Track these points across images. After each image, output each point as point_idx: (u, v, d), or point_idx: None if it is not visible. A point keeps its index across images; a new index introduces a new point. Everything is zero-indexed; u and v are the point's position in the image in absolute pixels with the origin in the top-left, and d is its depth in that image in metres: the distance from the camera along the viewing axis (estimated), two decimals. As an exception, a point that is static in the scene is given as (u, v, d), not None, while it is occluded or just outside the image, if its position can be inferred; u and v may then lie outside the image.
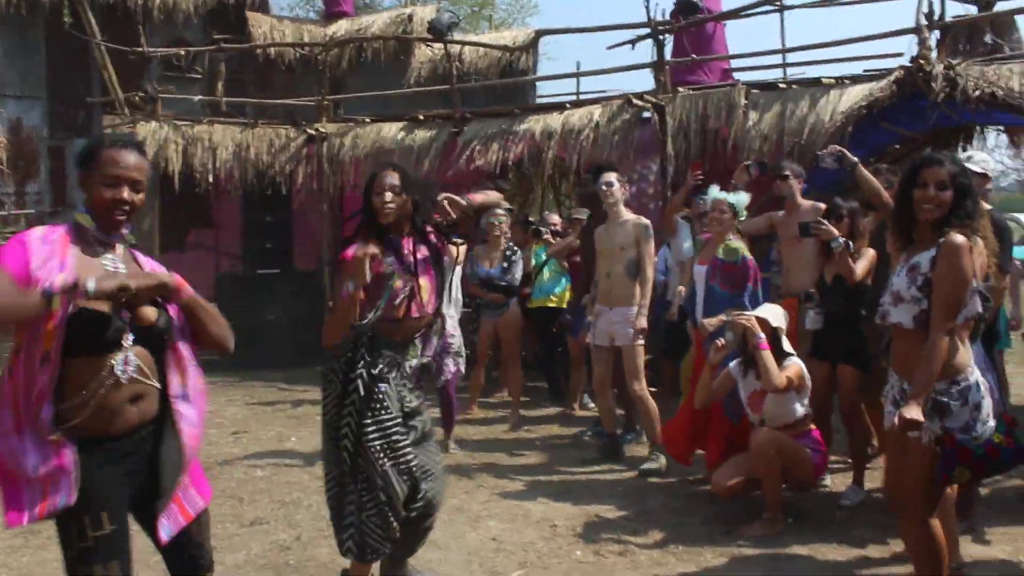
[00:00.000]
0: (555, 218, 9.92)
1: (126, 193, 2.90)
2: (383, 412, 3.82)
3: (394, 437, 3.83)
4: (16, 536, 5.28)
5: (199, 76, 15.65)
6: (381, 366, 3.86)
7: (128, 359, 2.82)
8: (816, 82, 9.44)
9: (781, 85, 9.66)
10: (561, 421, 8.21)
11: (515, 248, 8.15)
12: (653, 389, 6.85)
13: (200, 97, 13.71)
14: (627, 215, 6.51)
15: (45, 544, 5.12)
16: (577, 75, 12.95)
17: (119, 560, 2.83)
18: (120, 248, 2.98)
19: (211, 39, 14.32)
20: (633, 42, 10.58)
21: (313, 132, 11.86)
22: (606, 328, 6.49)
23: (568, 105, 10.97)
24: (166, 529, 2.92)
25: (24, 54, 15.63)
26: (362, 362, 3.83)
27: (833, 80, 9.27)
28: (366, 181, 4.01)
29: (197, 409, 3.01)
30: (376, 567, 4.10)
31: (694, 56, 10.84)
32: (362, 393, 3.81)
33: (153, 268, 3.04)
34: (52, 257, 2.76)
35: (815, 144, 8.29)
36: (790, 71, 10.98)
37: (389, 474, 3.80)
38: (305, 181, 11.81)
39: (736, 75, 11.21)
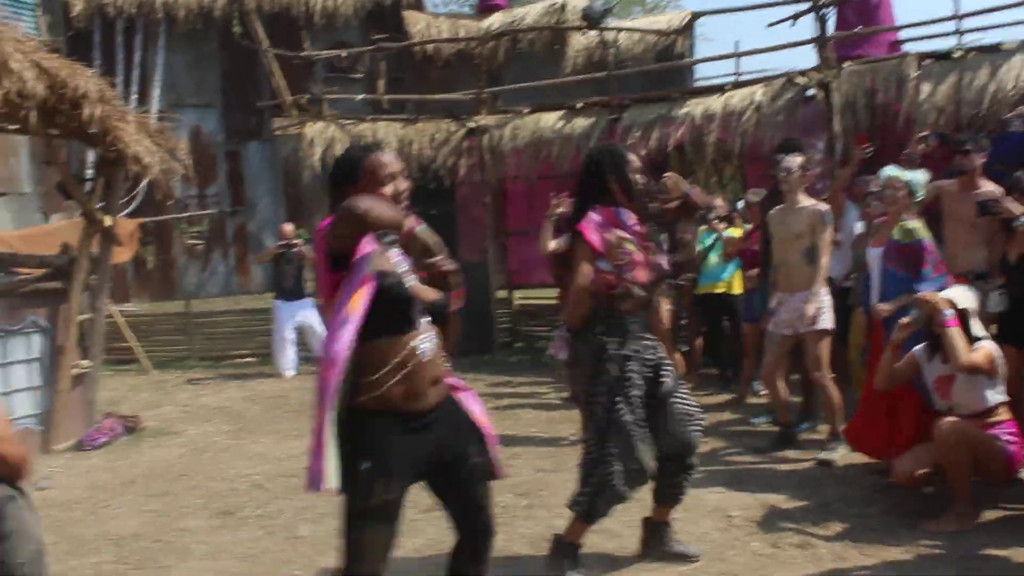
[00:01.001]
0: (718, 202, 9.73)
1: (403, 183, 3.14)
2: (633, 389, 4.15)
3: (640, 411, 4.16)
4: (214, 516, 5.59)
5: (361, 76, 16.10)
6: (629, 345, 4.20)
7: (427, 338, 3.07)
8: (995, 48, 8.91)
9: (956, 54, 9.16)
10: (733, 409, 8.06)
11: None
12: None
13: (362, 96, 14.09)
14: (804, 201, 6.27)
15: (239, 525, 5.40)
16: (736, 55, 12.64)
17: (392, 527, 3.05)
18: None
19: (370, 40, 14.69)
20: (794, 18, 10.26)
21: (473, 125, 12.01)
22: (789, 316, 6.29)
23: (728, 87, 10.74)
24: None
25: (200, 65, 16.44)
26: (613, 344, 4.18)
27: (1015, 45, 8.73)
28: (607, 156, 4.31)
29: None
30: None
31: (859, 29, 10.41)
32: (614, 374, 4.16)
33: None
34: None
35: (996, 115, 7.83)
36: (965, 38, 10.42)
37: (637, 448, 4.10)
38: (467, 173, 11.98)
39: (905, 46, 10.71)
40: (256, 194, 16.73)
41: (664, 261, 4.38)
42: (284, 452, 7.24)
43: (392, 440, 2.99)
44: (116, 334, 11.10)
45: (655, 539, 4.59)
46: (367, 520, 2.99)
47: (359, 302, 2.88)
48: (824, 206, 6.27)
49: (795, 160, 6.30)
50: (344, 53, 14.10)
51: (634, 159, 4.33)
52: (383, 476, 2.96)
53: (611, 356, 4.17)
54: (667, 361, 4.39)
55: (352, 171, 3.13)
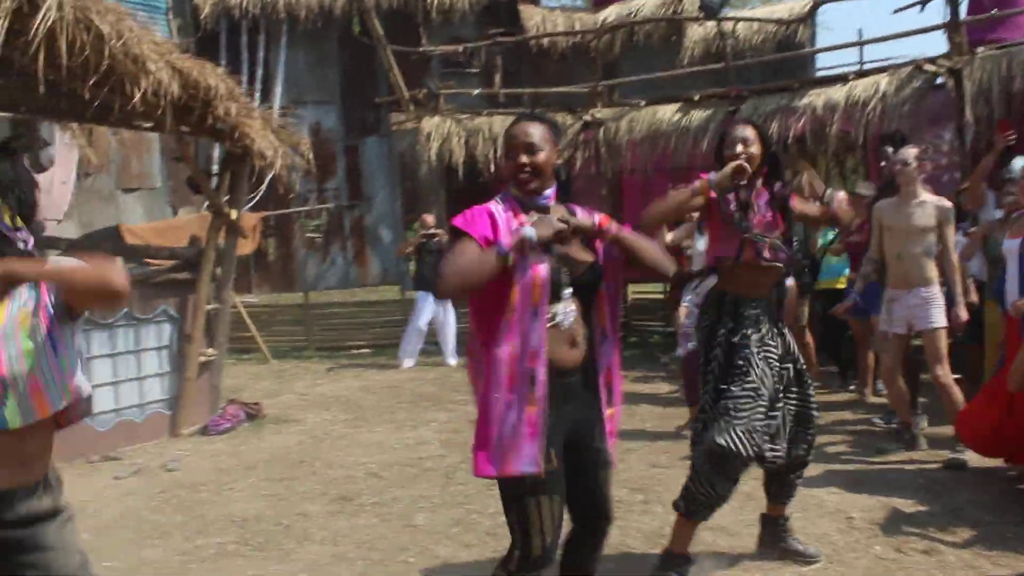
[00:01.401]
0: (841, 195, 9.42)
1: (523, 156, 3.07)
2: (743, 377, 3.97)
3: (746, 402, 3.96)
4: (332, 502, 5.72)
5: (477, 71, 16.21)
6: (745, 330, 4.03)
7: (569, 310, 3.06)
8: None
9: (1101, 37, 8.71)
10: (852, 407, 7.84)
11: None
12: (957, 376, 6.37)
13: (479, 91, 14.18)
14: (925, 195, 6.05)
15: (356, 511, 5.51)
16: (860, 44, 12.27)
17: (560, 496, 3.03)
18: (550, 208, 3.14)
19: (486, 34, 14.78)
20: (923, 3, 9.89)
21: (589, 118, 11.96)
22: (903, 313, 6.09)
23: (851, 76, 10.43)
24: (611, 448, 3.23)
25: (320, 63, 16.83)
26: (723, 329, 4.05)
27: None
28: (722, 135, 4.23)
29: (615, 352, 3.22)
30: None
31: (995, 12, 9.97)
32: (722, 361, 4.04)
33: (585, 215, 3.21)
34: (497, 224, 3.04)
35: None
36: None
37: (738, 438, 3.91)
38: (583, 167, 11.94)
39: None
40: (374, 188, 17.04)
41: (785, 251, 4.14)
42: (399, 441, 7.35)
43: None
44: (239, 324, 11.44)
45: (772, 535, 4.49)
46: (535, 494, 2.96)
47: (540, 287, 2.95)
48: (949, 203, 6.06)
49: (911, 151, 6.08)
50: (460, 48, 14.22)
51: (737, 132, 4.11)
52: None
53: (720, 343, 4.06)
54: (791, 356, 4.19)
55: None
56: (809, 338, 8.40)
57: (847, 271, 8.31)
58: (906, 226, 6.03)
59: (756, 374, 3.98)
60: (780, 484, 4.37)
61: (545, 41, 16.06)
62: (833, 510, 5.16)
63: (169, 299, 7.89)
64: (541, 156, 3.07)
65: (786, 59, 13.51)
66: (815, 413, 4.28)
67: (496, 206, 3.09)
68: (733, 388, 3.98)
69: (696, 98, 11.51)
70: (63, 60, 5.97)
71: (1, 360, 2.35)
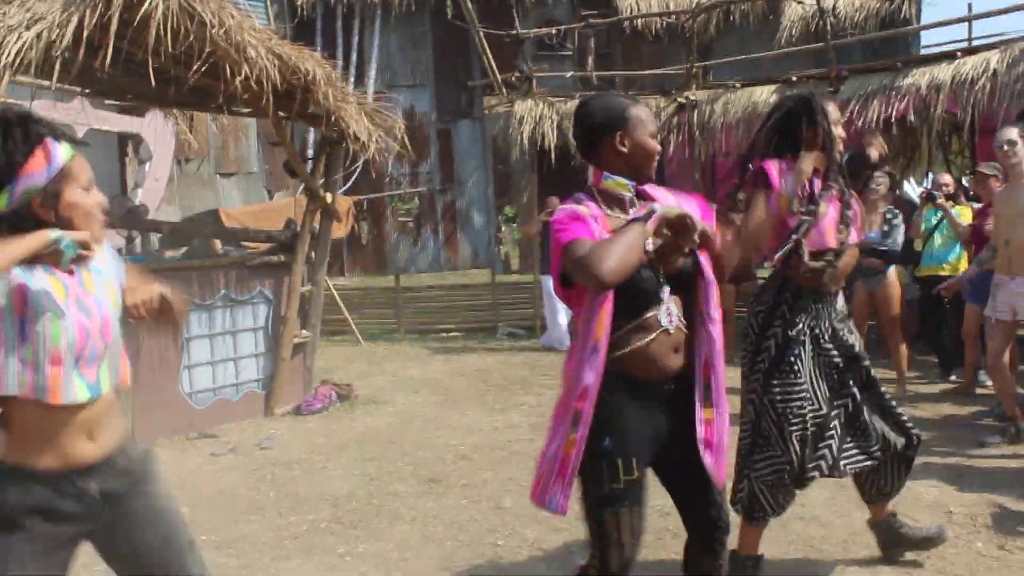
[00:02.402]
0: (946, 178, 9.13)
1: (657, 144, 2.92)
2: (792, 377, 3.70)
3: (798, 404, 3.69)
4: (422, 483, 5.78)
5: (570, 53, 16.14)
6: (800, 325, 3.75)
7: (671, 310, 2.85)
8: None
9: None
10: (954, 399, 7.59)
11: (896, 211, 7.60)
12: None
13: (572, 73, 14.12)
14: None
15: (445, 493, 5.55)
16: (969, 19, 11.81)
17: (641, 508, 2.85)
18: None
19: (579, 16, 14.69)
20: (1037, -23, 9.49)
21: (683, 100, 11.80)
22: (1008, 300, 5.87)
23: (959, 54, 10.06)
24: (708, 459, 2.86)
25: (414, 46, 16.95)
26: (780, 320, 3.78)
27: None
28: (802, 105, 3.86)
29: (718, 340, 2.89)
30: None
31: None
32: (773, 354, 3.77)
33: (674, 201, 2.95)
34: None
35: None
36: None
37: (789, 441, 3.69)
38: (677, 149, 11.80)
39: None
40: (466, 172, 17.12)
41: (857, 233, 3.87)
42: (488, 424, 7.38)
43: (629, 411, 2.82)
44: (331, 306, 11.62)
45: (889, 535, 4.24)
46: (613, 506, 2.80)
47: (604, 323, 2.73)
48: None
49: (1013, 131, 5.82)
50: (554, 30, 14.16)
51: (834, 110, 3.91)
52: (622, 455, 2.79)
53: (774, 334, 3.76)
54: (860, 354, 3.87)
55: (610, 123, 2.88)
56: (901, 336, 7.97)
57: (951, 257, 8.04)
58: (1014, 210, 5.80)
59: (806, 375, 3.71)
60: (872, 484, 4.08)
61: (639, 22, 15.89)
62: (931, 504, 5.01)
63: (265, 281, 8.05)
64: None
65: (889, 37, 13.12)
66: (894, 407, 3.95)
67: (581, 207, 2.81)
68: (783, 389, 3.71)
69: (794, 79, 11.25)
70: (167, 47, 6.12)
71: (110, 325, 2.43)
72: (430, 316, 12.71)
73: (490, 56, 12.84)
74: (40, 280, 2.30)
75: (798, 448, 3.70)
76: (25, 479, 2.32)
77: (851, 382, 3.82)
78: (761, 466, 3.82)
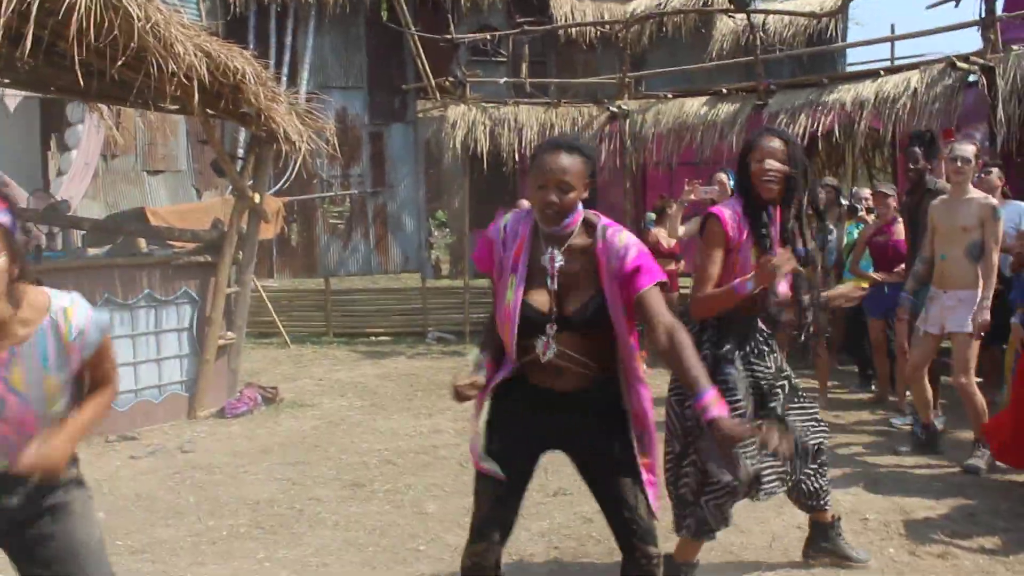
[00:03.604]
0: (866, 192, 9.35)
1: (553, 196, 2.97)
2: (728, 396, 3.64)
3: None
4: (345, 488, 5.73)
5: (504, 59, 16.19)
6: (728, 345, 3.82)
7: (549, 344, 3.04)
8: None
9: None
10: (871, 408, 7.77)
11: (831, 228, 7.73)
12: (978, 380, 6.28)
13: (505, 79, 14.16)
14: (973, 193, 5.93)
15: (368, 498, 5.51)
16: (892, 39, 12.15)
17: (497, 498, 3.14)
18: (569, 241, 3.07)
19: (514, 23, 14.75)
20: (957, -1, 9.76)
21: (615, 109, 11.90)
22: (938, 314, 5.98)
23: (882, 72, 10.31)
24: (652, 496, 3.11)
25: (348, 48, 16.86)
26: (708, 342, 3.82)
27: None
28: (743, 146, 3.94)
29: (643, 393, 3.10)
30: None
31: (1030, 9, 9.83)
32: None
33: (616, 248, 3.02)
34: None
35: None
36: None
37: (740, 458, 3.75)
38: (608, 158, 11.87)
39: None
40: (398, 175, 17.06)
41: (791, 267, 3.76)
42: (415, 429, 7.35)
43: (515, 411, 3.18)
44: (259, 308, 11.48)
45: (821, 539, 4.36)
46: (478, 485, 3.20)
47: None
48: (995, 200, 5.93)
49: (969, 148, 5.96)
50: (489, 36, 14.18)
51: (767, 144, 3.81)
52: (496, 448, 3.20)
53: (704, 356, 3.67)
54: (784, 373, 3.99)
55: (532, 158, 3.10)
56: (823, 351, 8.08)
57: (871, 270, 8.23)
58: (954, 225, 5.89)
59: (741, 395, 3.78)
60: (801, 495, 4.18)
61: (573, 31, 16.01)
62: (848, 510, 5.10)
63: (190, 281, 7.92)
64: (572, 196, 2.98)
65: (816, 54, 13.41)
66: (819, 424, 4.13)
67: (499, 228, 3.14)
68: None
69: (724, 91, 11.43)
70: (91, 40, 6.00)
71: (30, 419, 2.47)
72: (359, 319, 12.62)
73: (424, 60, 12.81)
74: None
75: (743, 466, 3.78)
76: None
77: (773, 401, 3.91)
78: (706, 491, 3.84)
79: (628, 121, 11.79)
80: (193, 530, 5.08)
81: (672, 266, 9.13)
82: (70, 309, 2.46)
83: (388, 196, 17.04)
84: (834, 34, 14.89)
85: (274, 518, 5.24)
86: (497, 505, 3.12)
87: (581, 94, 13.44)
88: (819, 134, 10.22)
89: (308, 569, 4.51)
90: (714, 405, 2.80)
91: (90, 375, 2.61)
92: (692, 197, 7.22)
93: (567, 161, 2.97)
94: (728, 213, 3.82)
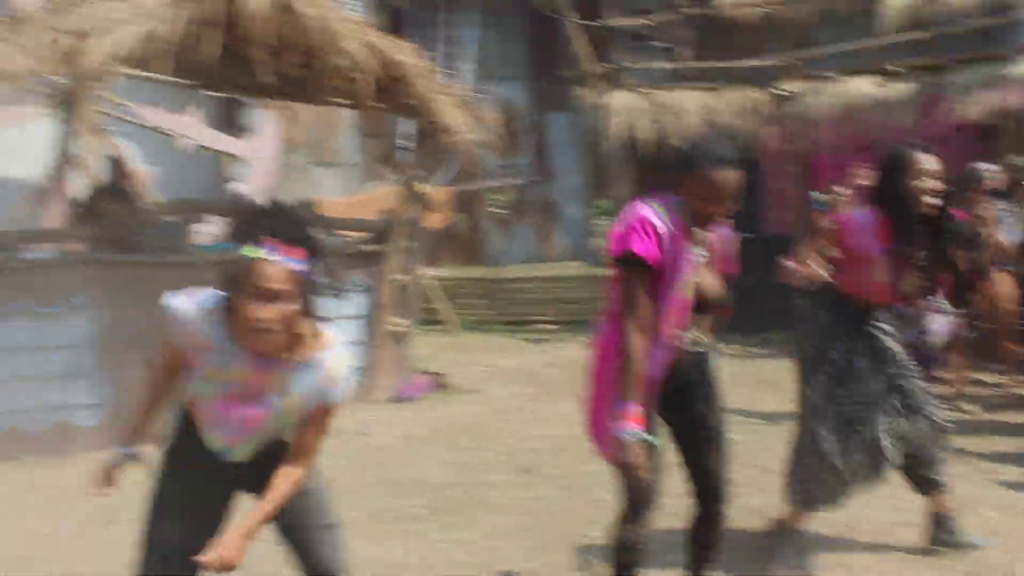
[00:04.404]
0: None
1: (723, 209, 3.18)
2: (853, 383, 3.94)
3: (859, 408, 3.95)
4: (516, 474, 5.78)
5: (664, 44, 15.97)
6: (857, 340, 4.00)
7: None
8: None
9: None
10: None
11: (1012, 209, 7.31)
12: None
13: (665, 64, 13.96)
14: None
15: (540, 483, 5.55)
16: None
17: None
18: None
19: (673, 6, 14.51)
20: None
21: (780, 92, 11.59)
22: None
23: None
24: None
25: (507, 38, 16.97)
26: (843, 338, 4.01)
27: None
28: (892, 159, 3.97)
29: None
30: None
31: None
32: (842, 366, 3.99)
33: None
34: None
35: None
36: None
37: (852, 442, 3.93)
38: (773, 143, 11.58)
39: None
40: (560, 164, 17.08)
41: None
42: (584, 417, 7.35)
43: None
44: (427, 296, 11.73)
45: (934, 533, 4.30)
46: None
47: None
48: None
49: None
50: (647, 21, 14.03)
51: (925, 162, 3.90)
52: None
53: (836, 348, 4.03)
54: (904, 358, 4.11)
55: (688, 164, 3.18)
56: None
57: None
58: None
59: (870, 384, 3.97)
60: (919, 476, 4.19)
61: (735, 12, 15.63)
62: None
63: (361, 270, 8.16)
64: (732, 207, 3.19)
65: (997, 25, 12.65)
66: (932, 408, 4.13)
67: (657, 214, 3.20)
68: (849, 396, 3.97)
69: (896, 69, 10.94)
70: (266, 40, 6.27)
71: (258, 423, 2.78)
72: (524, 307, 12.72)
73: (583, 47, 12.79)
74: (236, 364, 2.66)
75: (858, 449, 3.97)
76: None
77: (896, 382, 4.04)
78: (821, 467, 4.03)
79: (794, 104, 11.46)
80: (371, 509, 5.24)
81: None
82: (338, 362, 2.72)
83: (551, 185, 17.10)
84: (1019, 1, 14.02)
85: (448, 501, 5.37)
86: (659, 474, 3.38)
87: (744, 77, 13.12)
88: (1002, 113, 9.67)
89: (482, 551, 4.59)
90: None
91: (297, 434, 2.80)
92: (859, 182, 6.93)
93: (733, 177, 3.13)
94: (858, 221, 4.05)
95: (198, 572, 2.75)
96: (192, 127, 12.10)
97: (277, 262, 2.50)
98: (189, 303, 2.66)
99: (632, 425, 3.14)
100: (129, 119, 11.06)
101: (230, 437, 2.78)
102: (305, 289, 2.56)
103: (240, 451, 2.82)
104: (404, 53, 7.33)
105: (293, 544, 2.95)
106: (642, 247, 3.13)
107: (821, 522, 4.40)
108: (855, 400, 3.96)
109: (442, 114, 7.66)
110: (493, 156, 15.32)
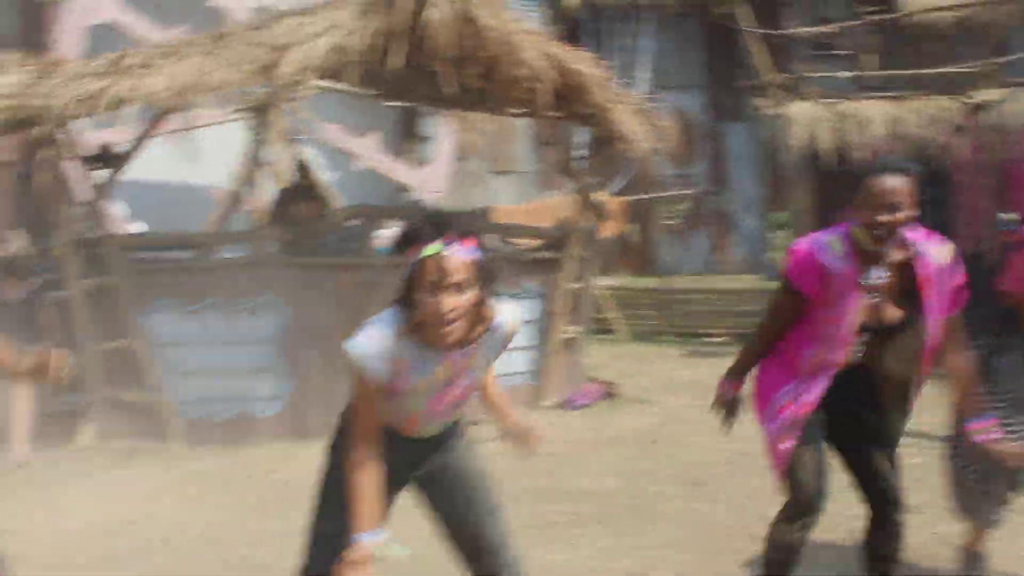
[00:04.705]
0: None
1: (883, 216, 3.17)
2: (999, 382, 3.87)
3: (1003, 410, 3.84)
4: (686, 486, 5.72)
5: (846, 53, 15.46)
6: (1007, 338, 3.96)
7: None
8: None
9: None
10: None
11: None
12: None
13: (848, 73, 13.52)
14: None
15: (709, 497, 5.47)
16: None
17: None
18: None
19: (856, 13, 14.03)
20: None
21: (974, 101, 11.02)
22: None
23: None
24: None
25: (683, 48, 16.84)
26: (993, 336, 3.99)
27: None
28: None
29: None
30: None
31: None
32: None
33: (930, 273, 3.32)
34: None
35: None
36: None
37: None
38: (966, 154, 11.01)
39: None
40: (736, 174, 16.81)
41: None
42: (756, 432, 7.19)
43: None
44: (598, 305, 11.74)
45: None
46: None
47: None
48: None
49: None
50: (829, 29, 13.62)
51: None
52: None
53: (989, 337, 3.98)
54: None
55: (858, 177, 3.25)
56: None
57: None
58: None
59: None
60: None
61: (924, 17, 14.97)
62: None
63: (535, 277, 8.26)
64: (899, 216, 3.17)
65: None
66: None
67: (827, 252, 3.28)
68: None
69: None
70: (449, 51, 6.43)
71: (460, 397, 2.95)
72: (696, 319, 12.57)
73: (761, 56, 12.54)
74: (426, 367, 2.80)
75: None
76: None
77: None
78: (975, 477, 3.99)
79: (989, 113, 10.87)
80: (538, 513, 5.29)
81: None
82: (513, 317, 2.90)
83: (726, 196, 16.85)
84: None
85: (616, 508, 5.36)
86: (822, 477, 3.42)
87: (934, 85, 12.55)
88: None
89: (650, 561, 4.56)
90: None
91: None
92: None
93: (895, 183, 3.17)
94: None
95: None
96: (370, 150, 12.57)
97: (455, 255, 2.61)
98: (372, 336, 2.71)
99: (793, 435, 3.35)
100: (313, 135, 11.63)
101: (441, 419, 2.97)
102: (483, 274, 2.68)
103: (441, 425, 3.00)
104: (582, 62, 7.38)
105: (458, 531, 3.05)
106: (796, 274, 3.35)
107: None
108: (998, 399, 3.86)
109: (619, 123, 7.66)
110: (668, 165, 15.23)
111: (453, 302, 2.61)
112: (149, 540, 4.99)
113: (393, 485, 2.93)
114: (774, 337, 3.54)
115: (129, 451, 6.89)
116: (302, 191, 9.50)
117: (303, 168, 9.97)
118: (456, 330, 2.68)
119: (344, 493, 2.75)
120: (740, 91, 15.64)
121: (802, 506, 3.40)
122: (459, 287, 2.61)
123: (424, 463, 3.03)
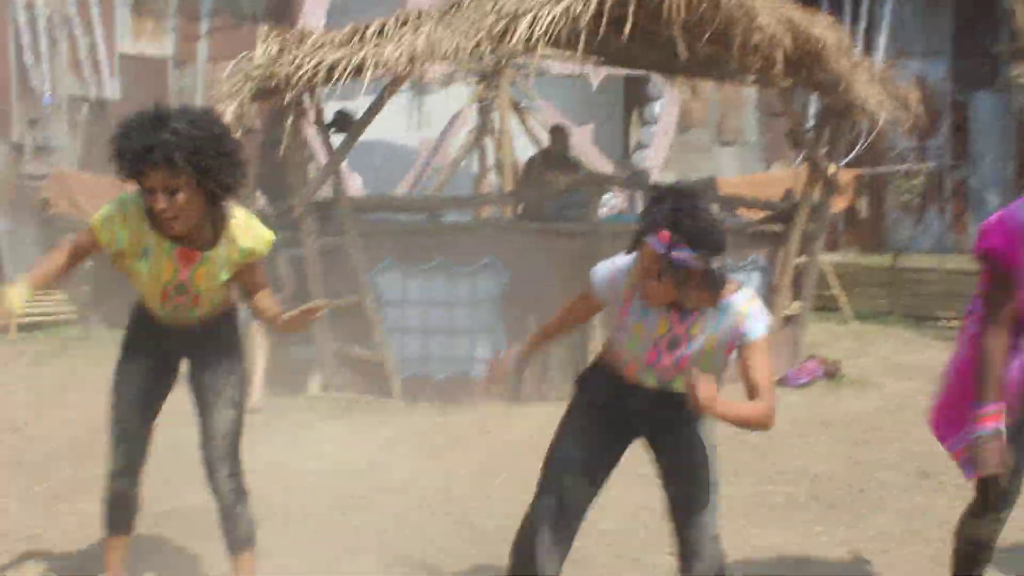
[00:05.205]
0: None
1: None
2: None
3: None
4: (911, 476, 5.47)
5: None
6: None
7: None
8: None
9: None
10: None
11: None
12: None
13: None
14: None
15: (936, 489, 5.21)
16: None
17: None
18: None
19: None
20: None
21: None
22: None
23: None
24: None
25: (930, 11, 15.83)
26: None
27: None
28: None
29: None
30: None
31: None
32: None
33: None
34: None
35: None
36: None
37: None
38: None
39: None
40: (982, 148, 15.71)
41: None
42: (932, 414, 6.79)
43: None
44: (822, 281, 11.33)
45: None
46: None
47: None
48: None
49: None
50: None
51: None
52: None
53: None
54: None
55: None
56: None
57: None
58: None
59: None
60: None
61: None
62: None
63: (760, 250, 8.06)
64: None
65: None
66: None
67: None
68: None
69: None
70: (679, 17, 6.31)
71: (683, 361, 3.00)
72: (928, 300, 11.88)
73: (1021, 20, 11.61)
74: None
75: None
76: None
77: None
78: None
79: None
80: (751, 492, 5.20)
81: None
82: (747, 303, 2.92)
83: (969, 170, 15.78)
84: None
85: (833, 494, 5.19)
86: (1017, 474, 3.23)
87: None
88: None
89: (867, 552, 4.39)
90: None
91: (746, 379, 2.94)
92: None
93: None
94: None
95: (592, 497, 3.15)
96: (581, 141, 12.61)
97: (665, 254, 2.73)
98: (612, 264, 3.04)
99: (989, 424, 2.99)
100: (531, 107, 11.79)
101: (663, 375, 3.06)
102: (705, 271, 2.76)
103: (674, 384, 3.04)
104: (820, 27, 7.07)
105: (674, 498, 3.15)
106: (998, 244, 3.02)
107: None
108: None
109: (856, 91, 7.32)
110: (905, 137, 14.43)
111: (658, 287, 2.81)
112: (382, 488, 5.23)
113: (624, 432, 3.18)
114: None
115: (349, 404, 7.28)
116: (556, 158, 9.62)
117: (558, 133, 10.05)
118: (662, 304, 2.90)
119: (585, 426, 3.11)
120: (993, 57, 14.59)
121: (992, 501, 3.28)
122: (659, 276, 2.79)
123: (652, 417, 3.14)
